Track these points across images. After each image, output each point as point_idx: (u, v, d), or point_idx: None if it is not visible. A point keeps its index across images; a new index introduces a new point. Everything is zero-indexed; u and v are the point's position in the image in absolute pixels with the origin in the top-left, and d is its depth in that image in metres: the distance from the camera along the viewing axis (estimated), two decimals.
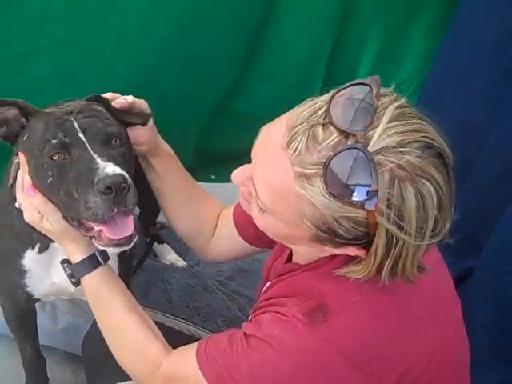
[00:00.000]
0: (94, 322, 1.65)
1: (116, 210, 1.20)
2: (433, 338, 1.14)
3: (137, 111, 1.43)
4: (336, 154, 0.95)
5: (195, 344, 1.22)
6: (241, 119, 2.63)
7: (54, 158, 1.25)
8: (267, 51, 2.47)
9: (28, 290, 1.54)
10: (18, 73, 2.41)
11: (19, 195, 1.35)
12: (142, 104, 1.45)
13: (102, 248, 1.30)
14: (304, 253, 1.19)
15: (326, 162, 0.96)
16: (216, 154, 2.69)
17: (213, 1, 2.26)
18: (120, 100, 1.40)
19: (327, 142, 0.97)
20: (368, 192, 0.94)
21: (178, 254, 2.38)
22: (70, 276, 1.37)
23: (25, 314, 1.74)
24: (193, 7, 2.25)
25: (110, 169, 1.19)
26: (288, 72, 2.49)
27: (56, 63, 2.40)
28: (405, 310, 1.12)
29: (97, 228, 1.27)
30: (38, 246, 1.47)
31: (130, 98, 1.42)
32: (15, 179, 1.41)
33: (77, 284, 1.38)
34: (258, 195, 1.07)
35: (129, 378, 1.47)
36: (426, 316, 1.14)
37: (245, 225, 1.47)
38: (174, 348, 1.47)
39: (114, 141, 1.30)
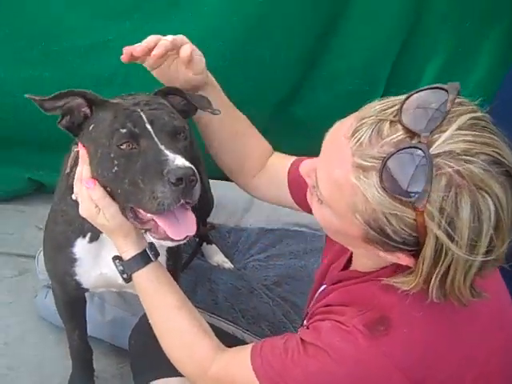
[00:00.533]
0: (142, 316, 1.69)
1: (182, 201, 1.21)
2: (491, 362, 1.12)
3: (195, 64, 1.43)
4: (397, 151, 0.95)
5: (249, 346, 1.22)
6: (297, 126, 2.64)
7: (122, 147, 1.25)
8: (328, 59, 2.47)
9: (77, 278, 1.57)
10: (86, 64, 2.48)
11: (77, 187, 1.35)
12: (194, 51, 1.43)
13: (157, 241, 1.30)
14: (363, 259, 1.18)
15: (385, 157, 0.95)
16: None
17: (280, 8, 2.27)
18: (162, 42, 1.37)
19: (391, 138, 0.97)
20: (423, 190, 0.93)
21: (226, 256, 2.39)
22: (122, 272, 1.37)
23: (74, 302, 1.78)
24: (259, 13, 2.27)
25: (180, 161, 1.20)
26: (347, 81, 2.49)
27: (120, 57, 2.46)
28: (467, 327, 1.10)
29: (158, 221, 1.26)
30: (89, 235, 1.49)
31: (169, 37, 1.39)
32: (72, 168, 1.44)
33: (128, 280, 1.38)
34: (318, 185, 1.07)
35: (174, 374, 1.49)
36: (488, 337, 1.12)
37: (297, 182, 1.43)
38: None
39: (179, 134, 1.30)
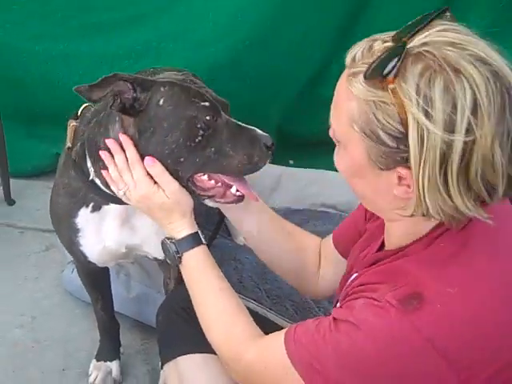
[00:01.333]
0: (171, 293, 1.71)
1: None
2: None
3: None
4: (382, 54, 0.99)
5: (282, 331, 1.20)
6: (323, 106, 2.60)
7: (208, 118, 1.32)
8: (357, 39, 2.44)
9: (82, 249, 1.60)
10: (120, 37, 2.49)
11: (125, 175, 1.35)
12: None
13: (222, 205, 1.41)
14: (392, 229, 1.18)
15: (372, 61, 1.00)
16: (296, 139, 2.69)
17: None
18: None
19: (379, 47, 1.03)
20: (393, 66, 0.97)
21: None
22: (175, 252, 1.37)
23: (93, 273, 1.80)
24: None
25: (261, 131, 1.36)
26: None
27: (155, 31, 2.47)
28: (505, 305, 1.07)
29: (233, 184, 1.37)
30: (91, 204, 1.51)
31: None
32: (72, 142, 1.49)
33: (177, 261, 1.38)
34: (332, 127, 1.12)
35: (200, 351, 1.51)
36: None
37: (343, 241, 1.50)
38: None
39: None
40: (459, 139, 0.96)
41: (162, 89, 1.33)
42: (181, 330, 1.58)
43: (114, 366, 1.95)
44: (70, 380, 1.97)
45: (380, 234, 1.28)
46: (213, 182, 1.38)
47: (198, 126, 1.32)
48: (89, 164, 1.45)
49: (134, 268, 2.15)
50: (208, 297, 1.36)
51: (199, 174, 1.37)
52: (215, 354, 1.51)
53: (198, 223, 1.42)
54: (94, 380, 1.94)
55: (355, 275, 1.28)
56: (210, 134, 1.33)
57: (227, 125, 1.35)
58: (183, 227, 1.38)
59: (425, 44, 0.99)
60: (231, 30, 2.51)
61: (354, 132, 1.05)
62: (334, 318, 1.12)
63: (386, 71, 0.98)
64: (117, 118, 1.37)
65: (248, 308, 1.80)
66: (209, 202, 1.41)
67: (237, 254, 2.24)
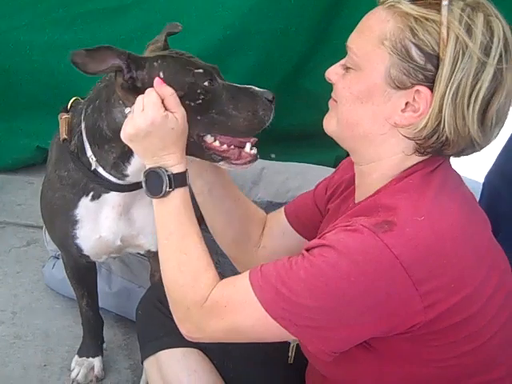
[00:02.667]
0: (150, 287, 1.71)
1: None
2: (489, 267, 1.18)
3: None
4: None
5: (248, 270, 1.20)
6: (306, 98, 2.62)
7: (205, 84, 1.35)
8: (338, 31, 2.45)
9: (77, 242, 1.60)
10: (105, 27, 2.50)
11: (139, 101, 1.30)
12: None
13: (236, 167, 1.41)
14: (368, 176, 1.23)
15: None
16: (277, 132, 2.67)
17: None
18: None
19: None
20: None
21: None
22: (168, 184, 1.29)
23: (81, 269, 1.80)
24: None
25: (258, 88, 1.39)
26: None
27: (139, 21, 2.47)
28: (464, 240, 1.14)
29: (248, 143, 1.39)
30: (91, 194, 1.52)
31: None
32: (68, 134, 1.49)
33: (164, 195, 1.30)
34: (352, 50, 1.17)
35: (180, 345, 1.52)
36: (484, 244, 1.20)
37: (298, 216, 1.54)
38: None
39: None
40: (491, 63, 1.07)
41: (155, 64, 1.35)
42: (160, 325, 1.57)
43: (96, 361, 1.94)
44: (51, 375, 1.96)
45: (345, 209, 1.31)
46: (225, 146, 1.40)
47: (198, 91, 1.35)
48: (89, 153, 1.46)
49: (115, 263, 2.14)
50: (185, 240, 1.30)
51: (210, 141, 1.39)
52: (195, 347, 1.53)
53: None
54: (76, 376, 1.93)
55: None
56: (210, 99, 1.36)
57: (224, 87, 1.38)
58: (182, 161, 1.31)
59: None
60: (213, 21, 2.51)
61: (381, 49, 1.13)
62: (306, 249, 1.15)
63: None
64: (119, 101, 1.37)
65: None
66: (224, 165, 1.42)
67: (218, 249, 2.23)
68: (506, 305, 1.20)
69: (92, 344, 1.95)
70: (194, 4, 2.54)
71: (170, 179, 1.29)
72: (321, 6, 2.46)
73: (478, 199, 1.80)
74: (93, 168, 1.47)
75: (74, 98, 1.57)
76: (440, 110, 1.10)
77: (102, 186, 1.51)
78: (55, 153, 1.58)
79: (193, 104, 1.34)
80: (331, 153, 2.87)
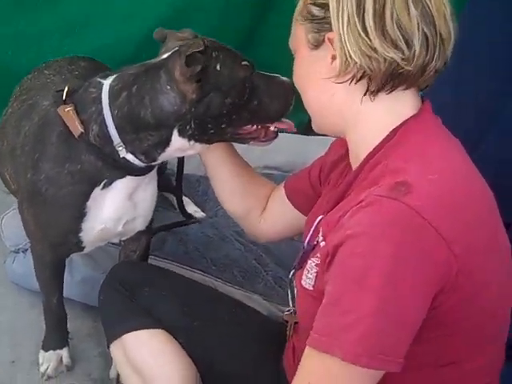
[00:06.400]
0: (111, 270, 1.67)
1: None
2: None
3: None
4: None
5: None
6: (265, 69, 2.59)
7: (250, 76, 1.42)
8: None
9: (81, 235, 1.58)
10: (46, 14, 2.49)
11: None
12: None
13: (264, 143, 1.50)
14: (360, 135, 1.19)
15: None
16: None
17: None
18: None
19: None
20: None
21: (196, 205, 2.36)
22: None
23: (60, 264, 1.77)
24: None
25: (283, 77, 1.47)
26: None
27: (81, 6, 2.43)
28: (480, 197, 1.12)
29: (279, 124, 1.50)
30: (104, 182, 1.50)
31: None
32: (85, 126, 1.44)
33: None
34: (291, 42, 1.24)
35: (143, 327, 1.50)
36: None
37: (296, 192, 1.54)
38: (190, 299, 1.56)
39: None
40: None
41: (213, 54, 1.39)
42: (123, 308, 1.55)
43: (64, 352, 1.91)
44: (20, 371, 1.93)
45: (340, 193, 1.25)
46: (254, 127, 1.47)
47: (246, 84, 1.41)
48: (116, 141, 1.43)
49: None
50: None
51: (247, 127, 1.47)
52: (160, 328, 1.50)
53: None
54: (46, 370, 1.90)
55: (320, 217, 1.27)
56: (252, 89, 1.42)
57: (259, 77, 1.45)
58: None
59: None
60: (154, 3, 2.47)
61: (298, 26, 1.20)
62: (332, 254, 1.05)
63: None
64: (167, 87, 1.38)
65: (195, 280, 1.81)
66: (254, 144, 1.50)
67: (182, 226, 2.21)
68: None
69: (58, 336, 1.91)
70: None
71: None
72: None
73: None
74: (122, 156, 1.45)
75: (66, 88, 1.50)
76: (341, 42, 1.10)
77: (122, 172, 1.49)
78: (56, 148, 1.50)
79: (241, 102, 1.41)
80: (292, 118, 2.86)
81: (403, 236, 0.99)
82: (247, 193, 1.60)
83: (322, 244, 1.16)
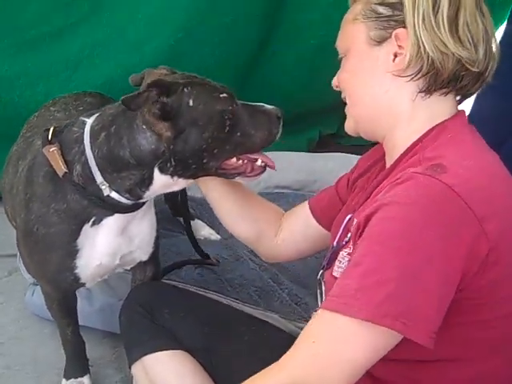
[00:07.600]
0: (129, 294, 1.70)
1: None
2: None
3: None
4: None
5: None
6: (269, 87, 2.61)
7: (230, 108, 1.40)
8: (290, 13, 2.51)
9: (77, 272, 1.57)
10: (53, 50, 2.47)
11: None
12: None
13: (251, 179, 1.48)
14: (399, 135, 1.23)
15: None
16: None
17: None
18: None
19: None
20: None
21: (211, 226, 2.38)
22: None
23: (67, 298, 1.77)
24: None
25: (268, 105, 1.46)
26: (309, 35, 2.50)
27: (86, 39, 2.44)
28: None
29: (257, 157, 1.46)
30: (92, 219, 1.50)
31: None
32: (69, 165, 1.44)
33: None
34: (338, 47, 1.30)
35: (163, 349, 1.52)
36: None
37: (323, 209, 1.53)
38: (210, 319, 1.57)
39: None
40: None
41: (185, 90, 1.38)
42: (144, 329, 1.58)
43: (85, 380, 1.91)
44: None
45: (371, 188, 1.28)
46: (240, 161, 1.45)
47: (226, 117, 1.39)
48: (99, 180, 1.44)
49: None
50: None
51: (231, 161, 1.44)
52: (180, 349, 1.52)
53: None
54: None
55: (350, 216, 1.30)
56: (234, 122, 1.40)
57: (242, 108, 1.43)
58: None
59: None
60: (162, 27, 2.50)
61: (356, 25, 1.24)
62: (365, 221, 1.09)
63: None
64: (143, 126, 1.38)
65: (212, 299, 1.82)
66: (240, 179, 1.49)
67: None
68: None
69: (78, 365, 1.92)
70: (141, 13, 2.52)
71: None
72: None
73: None
74: (106, 194, 1.45)
75: (52, 128, 1.51)
76: (416, 36, 1.16)
77: (109, 210, 1.49)
78: (43, 188, 1.51)
79: (222, 135, 1.39)
80: (302, 136, 2.88)
81: (435, 206, 1.04)
82: (255, 218, 1.60)
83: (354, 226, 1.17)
